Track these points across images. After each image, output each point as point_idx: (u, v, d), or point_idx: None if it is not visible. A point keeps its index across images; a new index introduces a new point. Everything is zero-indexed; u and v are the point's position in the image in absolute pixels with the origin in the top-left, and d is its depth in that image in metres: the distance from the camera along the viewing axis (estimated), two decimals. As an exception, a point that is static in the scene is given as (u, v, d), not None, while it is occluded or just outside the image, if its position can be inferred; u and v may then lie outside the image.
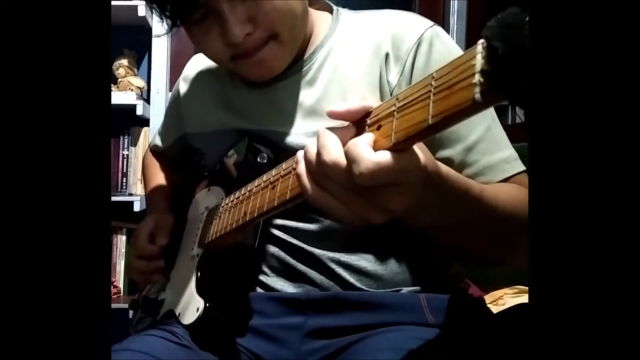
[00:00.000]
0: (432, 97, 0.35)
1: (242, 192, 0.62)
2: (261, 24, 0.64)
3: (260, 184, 0.57)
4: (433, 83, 0.36)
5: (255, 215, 0.56)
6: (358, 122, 0.43)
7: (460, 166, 0.63)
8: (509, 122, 1.85)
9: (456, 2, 1.90)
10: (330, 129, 0.43)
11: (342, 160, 0.40)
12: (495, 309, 1.04)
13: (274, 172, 0.54)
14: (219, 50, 0.67)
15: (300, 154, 0.46)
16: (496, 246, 0.59)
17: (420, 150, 0.42)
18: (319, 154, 0.42)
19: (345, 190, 0.42)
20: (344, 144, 0.41)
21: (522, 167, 0.64)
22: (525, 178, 0.64)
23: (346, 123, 0.44)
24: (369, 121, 0.42)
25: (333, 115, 0.43)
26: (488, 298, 1.24)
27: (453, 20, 1.90)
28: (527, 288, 1.21)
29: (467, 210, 0.52)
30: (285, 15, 0.64)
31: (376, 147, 0.39)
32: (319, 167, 0.42)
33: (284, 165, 0.52)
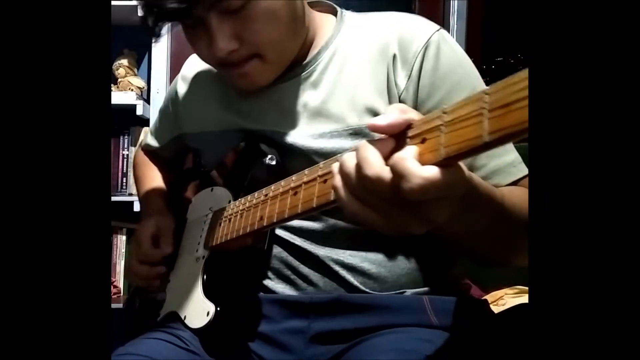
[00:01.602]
0: (487, 114, 0.34)
1: (257, 196, 0.61)
2: (246, 43, 0.65)
3: (279, 189, 0.56)
4: (486, 99, 0.35)
5: (275, 220, 0.55)
6: (397, 134, 0.42)
7: (468, 169, 0.62)
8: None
9: (456, 2, 1.90)
10: (369, 141, 0.42)
11: (386, 175, 0.39)
12: (495, 309, 1.04)
13: (294, 177, 0.53)
14: (207, 56, 0.69)
15: (335, 167, 0.45)
16: (511, 248, 0.60)
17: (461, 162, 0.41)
18: (359, 167, 0.41)
19: (386, 203, 0.41)
20: (382, 157, 0.40)
21: (527, 171, 0.64)
22: None
23: (383, 135, 0.42)
24: (410, 134, 0.41)
25: (374, 129, 0.41)
26: (488, 298, 1.23)
27: (453, 20, 1.90)
28: (527, 288, 1.21)
29: (491, 216, 0.53)
30: (271, 39, 0.65)
31: (421, 161, 0.39)
32: (359, 181, 0.41)
33: (306, 172, 0.52)
